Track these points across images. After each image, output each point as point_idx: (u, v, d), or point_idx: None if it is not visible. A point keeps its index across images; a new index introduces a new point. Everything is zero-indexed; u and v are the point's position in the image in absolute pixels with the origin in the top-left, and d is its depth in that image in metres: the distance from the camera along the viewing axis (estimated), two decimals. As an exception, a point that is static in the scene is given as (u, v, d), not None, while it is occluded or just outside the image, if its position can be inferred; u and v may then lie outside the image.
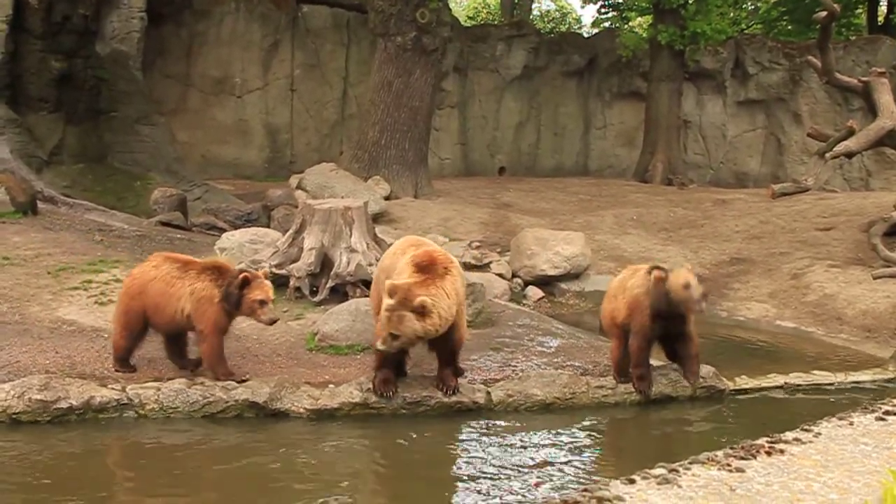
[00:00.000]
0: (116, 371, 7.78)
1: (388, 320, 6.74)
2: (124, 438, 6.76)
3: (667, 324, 7.76)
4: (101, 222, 12.71)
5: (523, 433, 7.15)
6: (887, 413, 6.26)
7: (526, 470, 6.29)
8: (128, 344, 7.80)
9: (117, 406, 7.11)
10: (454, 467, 6.35)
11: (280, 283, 10.08)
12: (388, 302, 6.74)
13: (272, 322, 7.59)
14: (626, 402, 7.96)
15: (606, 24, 32.03)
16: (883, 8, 31.62)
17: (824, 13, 14.04)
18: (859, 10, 32.30)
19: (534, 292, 13.18)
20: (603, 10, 32.03)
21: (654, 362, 8.71)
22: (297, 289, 9.96)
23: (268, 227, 13.52)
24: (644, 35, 26.74)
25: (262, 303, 7.45)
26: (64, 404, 6.96)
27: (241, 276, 7.47)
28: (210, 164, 24.14)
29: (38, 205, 12.77)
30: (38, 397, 6.93)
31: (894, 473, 4.58)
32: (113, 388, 7.25)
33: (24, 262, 10.24)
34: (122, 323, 7.80)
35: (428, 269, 6.97)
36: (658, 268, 7.72)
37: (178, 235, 12.65)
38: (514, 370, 8.45)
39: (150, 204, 14.87)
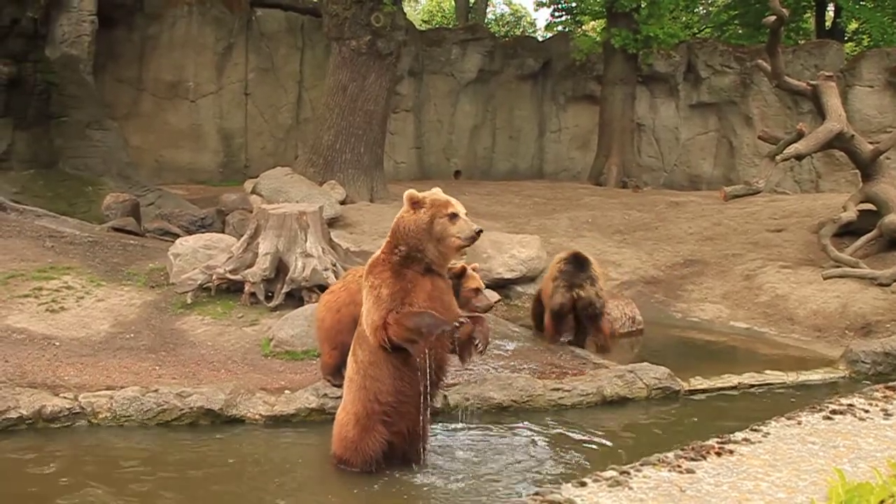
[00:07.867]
0: (332, 384, 7.59)
1: None
2: (75, 447, 6.68)
3: None
4: (52, 229, 12.51)
5: (479, 436, 7.17)
6: (834, 412, 6.38)
7: (480, 473, 6.31)
8: (338, 361, 7.55)
9: (69, 415, 7.03)
10: (409, 471, 6.34)
11: (235, 288, 10.05)
12: None
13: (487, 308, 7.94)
14: (583, 403, 8.03)
15: (560, 28, 32.23)
16: (830, 13, 32.15)
17: (773, 17, 14.20)
18: (807, 15, 32.80)
19: (490, 295, 13.20)
20: (557, 14, 32.22)
21: (604, 361, 8.81)
22: (252, 294, 9.91)
23: (222, 232, 13.40)
24: (598, 39, 26.94)
25: (476, 291, 7.84)
26: (14, 414, 6.88)
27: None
28: (163, 168, 23.90)
29: (-14, 211, 12.57)
30: (-12, 407, 6.84)
31: (840, 472, 4.68)
32: (65, 397, 7.18)
33: (-28, 270, 10.08)
34: (333, 341, 7.63)
35: None
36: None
37: (132, 241, 12.48)
38: (470, 373, 8.48)
39: (103, 210, 14.64)
